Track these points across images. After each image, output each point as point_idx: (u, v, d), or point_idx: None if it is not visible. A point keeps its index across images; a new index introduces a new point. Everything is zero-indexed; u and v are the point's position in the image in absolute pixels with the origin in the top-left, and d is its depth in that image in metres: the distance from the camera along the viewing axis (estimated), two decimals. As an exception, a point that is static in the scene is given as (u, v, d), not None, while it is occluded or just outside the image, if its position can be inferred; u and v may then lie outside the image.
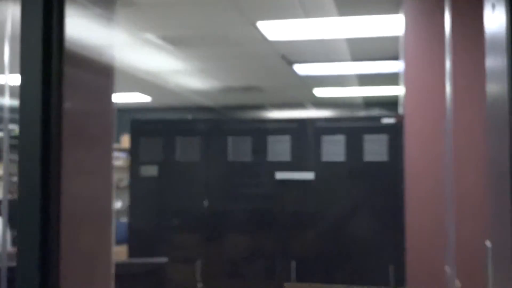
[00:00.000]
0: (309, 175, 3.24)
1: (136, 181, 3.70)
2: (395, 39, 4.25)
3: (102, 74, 1.42)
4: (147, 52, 5.37)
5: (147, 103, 8.98)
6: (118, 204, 9.70)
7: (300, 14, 4.06)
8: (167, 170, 3.65)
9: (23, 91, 1.21)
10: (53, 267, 1.14)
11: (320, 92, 8.08)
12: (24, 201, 1.16)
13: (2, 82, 6.99)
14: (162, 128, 3.73)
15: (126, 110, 9.49)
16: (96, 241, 1.31)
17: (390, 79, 6.83)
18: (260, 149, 3.53)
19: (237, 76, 6.95)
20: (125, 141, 9.49)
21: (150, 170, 3.65)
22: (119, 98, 8.48)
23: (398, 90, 7.65)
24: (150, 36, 4.69)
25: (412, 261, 3.00)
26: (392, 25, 4.28)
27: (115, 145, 9.88)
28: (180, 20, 4.39)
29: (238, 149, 3.56)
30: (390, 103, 7.68)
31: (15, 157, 6.09)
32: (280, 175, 3.32)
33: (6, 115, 1.71)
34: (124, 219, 9.59)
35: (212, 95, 7.85)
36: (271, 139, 3.54)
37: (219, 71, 6.51)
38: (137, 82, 7.24)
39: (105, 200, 1.38)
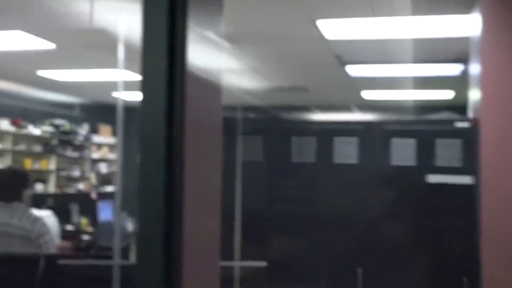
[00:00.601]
0: (465, 179, 3.12)
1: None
2: (462, 40, 4.10)
3: (212, 81, 1.36)
4: (201, 50, 5.31)
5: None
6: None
7: (367, 13, 3.95)
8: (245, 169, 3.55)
9: (145, 94, 1.14)
10: (176, 265, 1.07)
11: (368, 94, 7.94)
12: (148, 196, 1.09)
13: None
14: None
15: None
16: (206, 238, 1.25)
17: (448, 82, 6.64)
18: (325, 151, 3.44)
19: (286, 76, 6.86)
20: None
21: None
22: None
23: (451, 94, 7.44)
24: (207, 33, 4.63)
25: (488, 273, 2.86)
26: (462, 25, 4.13)
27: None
28: (239, 16, 4.32)
29: (302, 151, 3.48)
30: (444, 107, 7.48)
31: (63, 152, 6.09)
32: (434, 178, 3.18)
33: (120, 113, 1.65)
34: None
35: (259, 94, 7.78)
36: (337, 140, 3.44)
37: (271, 70, 6.43)
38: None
39: (214, 197, 1.31)
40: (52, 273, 2.18)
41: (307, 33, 4.74)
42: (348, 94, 7.96)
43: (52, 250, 3.64)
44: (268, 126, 3.68)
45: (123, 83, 7.85)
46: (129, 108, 10.94)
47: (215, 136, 1.38)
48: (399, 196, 3.32)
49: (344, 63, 6.04)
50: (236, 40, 4.95)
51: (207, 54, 1.37)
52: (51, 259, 2.27)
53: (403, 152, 3.25)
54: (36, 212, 4.40)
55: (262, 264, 2.21)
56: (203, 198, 1.25)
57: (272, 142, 3.54)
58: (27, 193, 3.76)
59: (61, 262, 2.23)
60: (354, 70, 6.31)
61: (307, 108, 9.05)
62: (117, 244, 2.37)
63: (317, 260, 3.34)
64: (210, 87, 1.41)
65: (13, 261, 2.34)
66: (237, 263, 2.19)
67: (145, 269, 1.09)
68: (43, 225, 3.65)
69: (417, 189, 3.25)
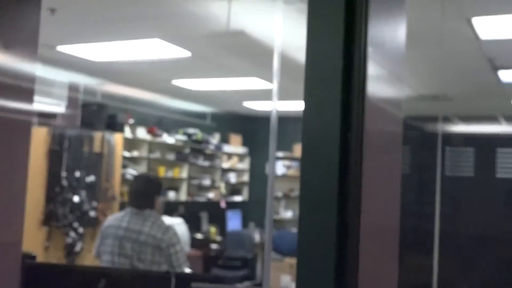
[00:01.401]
0: None
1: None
2: None
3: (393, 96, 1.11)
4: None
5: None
6: (288, 214, 9.51)
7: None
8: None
9: (314, 111, 0.89)
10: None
11: (520, 103, 7.12)
12: (317, 212, 0.81)
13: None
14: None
15: (292, 119, 9.30)
16: (384, 258, 0.95)
17: None
18: (485, 164, 2.96)
19: (428, 82, 6.33)
20: (297, 150, 9.31)
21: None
22: (282, 106, 8.29)
23: None
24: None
25: None
26: None
27: (287, 154, 9.62)
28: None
29: (457, 163, 3.03)
30: None
31: (195, 160, 5.96)
32: None
33: (275, 123, 1.46)
34: (295, 229, 9.39)
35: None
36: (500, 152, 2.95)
37: (412, 76, 5.94)
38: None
39: (394, 214, 1.02)
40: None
41: (459, 33, 4.25)
42: (497, 103, 7.19)
43: (183, 260, 3.52)
44: (415, 136, 3.27)
45: (252, 92, 7.70)
46: (258, 118, 10.84)
47: (395, 151, 1.10)
48: None
49: (497, 68, 5.40)
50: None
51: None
52: (183, 279, 2.07)
53: None
54: (168, 219, 4.35)
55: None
56: (381, 217, 0.95)
57: (421, 154, 3.13)
58: (160, 200, 3.68)
59: (194, 285, 2.03)
60: (508, 76, 5.63)
61: (447, 119, 8.36)
62: (266, 270, 2.11)
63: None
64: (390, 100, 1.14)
65: (144, 277, 2.18)
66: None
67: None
68: (174, 234, 3.54)
69: None
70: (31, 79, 1.50)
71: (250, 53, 5.09)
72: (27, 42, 1.50)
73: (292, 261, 5.74)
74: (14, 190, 1.44)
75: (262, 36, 4.21)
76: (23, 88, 1.48)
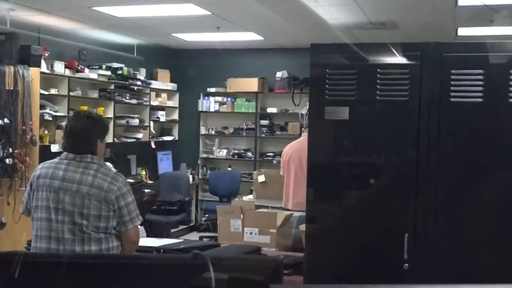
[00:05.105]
0: None
1: (317, 125, 2.85)
2: None
3: None
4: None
5: (259, 41, 8.06)
6: (222, 153, 9.00)
7: None
8: (361, 111, 2.77)
9: None
10: None
11: (464, 31, 6.88)
12: None
13: None
14: (352, 64, 2.86)
15: (228, 51, 8.62)
16: None
17: None
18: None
19: (382, 7, 5.87)
20: (231, 85, 8.69)
21: (338, 112, 2.77)
22: (225, 37, 7.64)
23: None
24: None
25: None
26: None
27: (220, 89, 8.94)
28: None
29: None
30: None
31: (121, 98, 5.10)
32: None
33: None
34: (230, 169, 8.92)
35: (340, 32, 6.80)
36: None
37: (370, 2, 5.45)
38: (256, 19, 6.34)
39: None
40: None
41: None
42: (445, 30, 6.89)
43: (136, 213, 2.94)
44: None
45: (181, 21, 6.88)
46: (187, 51, 9.95)
47: None
48: None
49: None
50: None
51: None
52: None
53: None
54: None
55: None
56: None
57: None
58: (104, 144, 3.03)
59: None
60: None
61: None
62: None
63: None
64: None
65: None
66: None
67: None
68: (124, 183, 2.93)
69: None
70: None
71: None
72: None
73: (241, 203, 5.26)
74: None
75: None
76: None
